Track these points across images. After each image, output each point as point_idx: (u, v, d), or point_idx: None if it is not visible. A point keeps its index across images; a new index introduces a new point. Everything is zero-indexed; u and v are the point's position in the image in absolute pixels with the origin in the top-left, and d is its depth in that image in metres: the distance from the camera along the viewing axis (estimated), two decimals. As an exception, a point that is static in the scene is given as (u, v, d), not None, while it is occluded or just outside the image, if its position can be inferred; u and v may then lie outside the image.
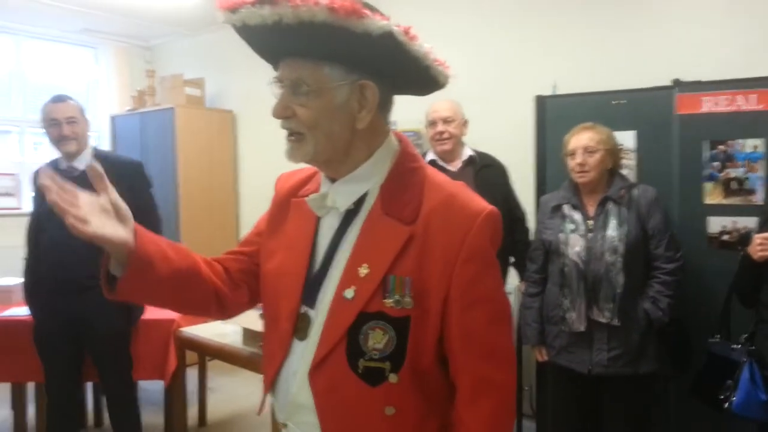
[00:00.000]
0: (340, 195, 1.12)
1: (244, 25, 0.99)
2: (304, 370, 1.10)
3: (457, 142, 2.98)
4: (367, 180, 1.11)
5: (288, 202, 1.22)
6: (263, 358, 1.25)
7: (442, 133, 2.93)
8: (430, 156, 3.03)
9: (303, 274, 1.13)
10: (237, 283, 1.27)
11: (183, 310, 1.47)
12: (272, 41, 1.04)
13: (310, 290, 1.12)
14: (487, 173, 2.99)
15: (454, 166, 2.97)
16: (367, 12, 0.96)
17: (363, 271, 1.05)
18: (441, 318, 1.05)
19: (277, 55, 1.08)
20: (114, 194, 1.03)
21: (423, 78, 1.09)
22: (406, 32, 1.00)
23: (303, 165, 1.17)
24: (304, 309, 1.12)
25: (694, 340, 2.54)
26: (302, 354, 1.11)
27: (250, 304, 1.31)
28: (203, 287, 1.20)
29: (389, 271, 1.04)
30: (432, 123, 2.97)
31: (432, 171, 1.15)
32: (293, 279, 1.14)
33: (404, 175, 1.11)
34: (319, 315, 1.10)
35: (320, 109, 1.05)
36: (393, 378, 1.05)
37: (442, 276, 1.04)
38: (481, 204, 1.08)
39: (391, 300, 1.03)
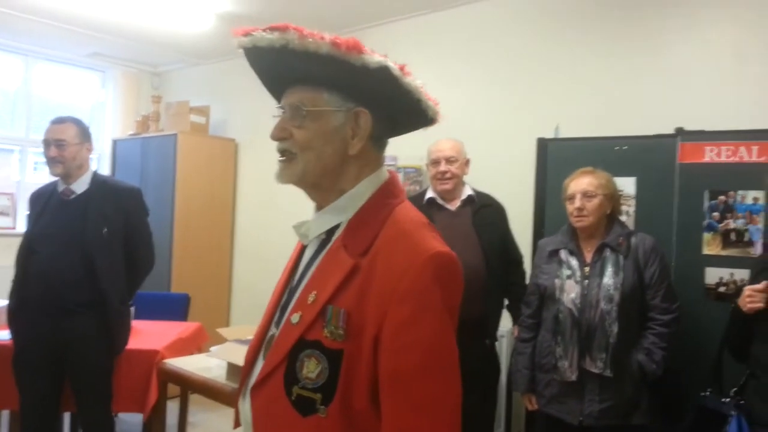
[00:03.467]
0: (314, 225, 1.17)
1: (254, 46, 1.08)
2: None
3: (459, 182, 2.94)
4: (342, 212, 1.14)
5: None
6: None
7: (444, 172, 2.88)
8: (430, 194, 2.98)
9: (279, 297, 1.21)
10: None
11: None
12: (278, 68, 1.13)
13: (280, 313, 1.17)
14: (484, 213, 2.94)
15: (453, 206, 2.93)
16: (367, 50, 1.05)
17: (311, 298, 1.08)
18: (373, 358, 1.00)
19: (283, 84, 1.15)
20: None
21: (414, 111, 1.14)
22: (401, 68, 1.08)
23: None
24: (274, 330, 1.16)
25: (689, 393, 2.46)
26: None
27: None
28: None
29: (330, 300, 1.05)
30: (435, 162, 2.92)
31: (403, 209, 1.12)
32: (272, 301, 1.23)
33: (373, 209, 1.12)
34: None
35: (316, 131, 1.10)
36: (323, 411, 1.02)
37: (377, 314, 1.00)
38: (430, 244, 1.03)
39: (327, 330, 1.03)
